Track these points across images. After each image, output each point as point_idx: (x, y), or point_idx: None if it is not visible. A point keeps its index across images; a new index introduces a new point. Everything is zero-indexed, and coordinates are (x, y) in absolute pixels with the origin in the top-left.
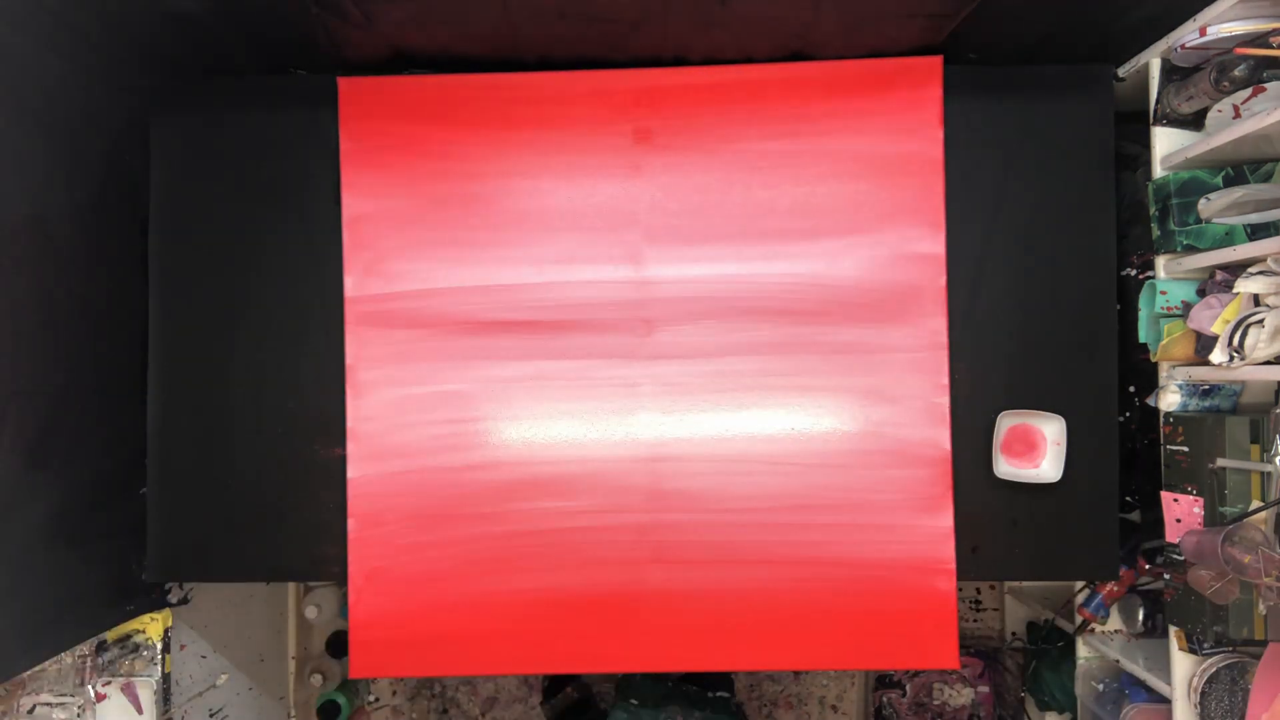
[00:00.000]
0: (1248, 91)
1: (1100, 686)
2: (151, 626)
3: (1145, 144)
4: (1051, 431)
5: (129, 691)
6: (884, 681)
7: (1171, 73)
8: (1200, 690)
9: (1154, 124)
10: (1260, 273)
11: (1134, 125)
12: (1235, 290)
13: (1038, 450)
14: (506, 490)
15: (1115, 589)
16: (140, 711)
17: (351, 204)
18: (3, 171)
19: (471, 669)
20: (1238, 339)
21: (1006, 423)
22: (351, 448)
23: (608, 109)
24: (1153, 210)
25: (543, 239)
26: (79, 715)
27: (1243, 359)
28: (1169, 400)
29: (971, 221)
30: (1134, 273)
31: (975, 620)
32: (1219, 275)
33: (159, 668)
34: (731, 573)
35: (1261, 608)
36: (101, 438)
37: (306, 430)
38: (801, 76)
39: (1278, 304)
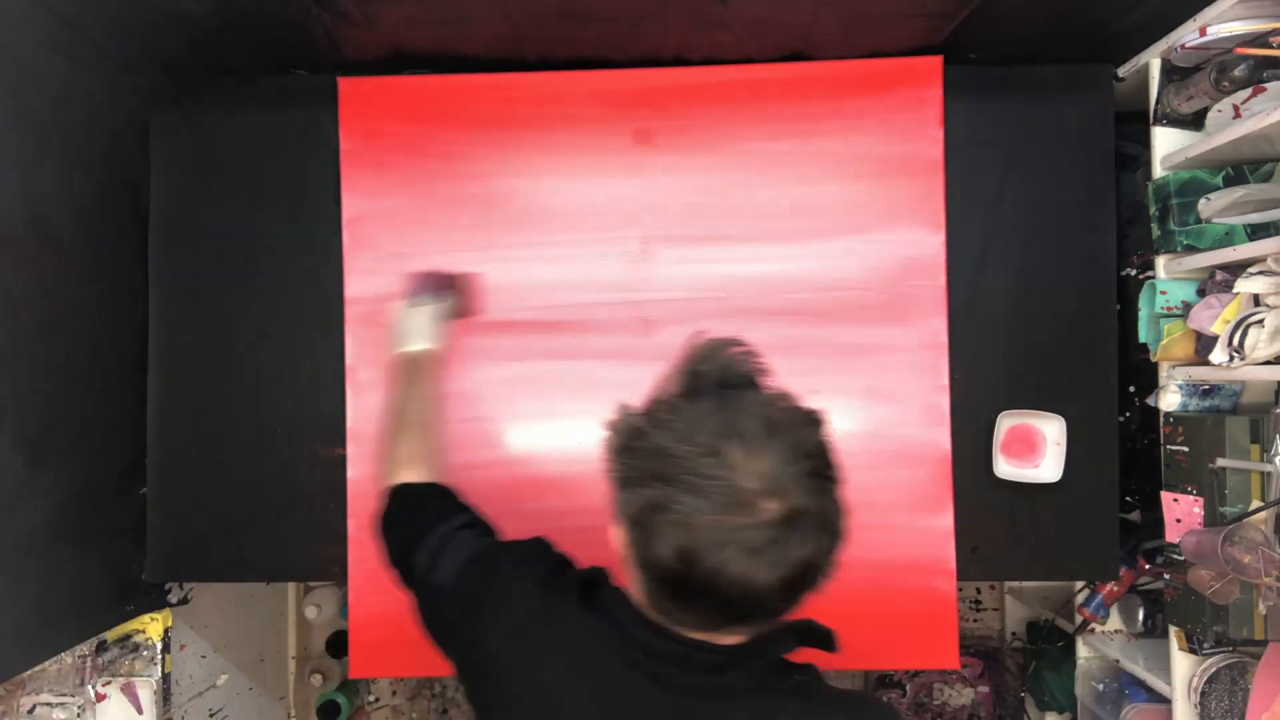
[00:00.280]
0: (1248, 91)
1: (1100, 686)
2: (151, 626)
3: (1145, 144)
4: (1051, 431)
5: (129, 691)
6: (884, 681)
7: (1171, 73)
8: (1200, 690)
9: (1154, 124)
10: (1260, 273)
11: (1134, 125)
12: (1235, 290)
13: (1038, 450)
14: (507, 490)
15: (1115, 589)
16: (140, 711)
17: (351, 204)
18: (3, 171)
19: None
20: (1238, 339)
21: (1006, 423)
22: (352, 448)
23: (608, 109)
24: (1153, 210)
25: (543, 239)
26: (79, 715)
27: (1243, 359)
28: (1169, 400)
29: (972, 222)
30: (1134, 273)
31: (975, 620)
32: (1219, 275)
33: (159, 668)
34: None
35: (1261, 608)
36: (101, 438)
37: (306, 430)
38: (801, 76)
39: (1278, 304)
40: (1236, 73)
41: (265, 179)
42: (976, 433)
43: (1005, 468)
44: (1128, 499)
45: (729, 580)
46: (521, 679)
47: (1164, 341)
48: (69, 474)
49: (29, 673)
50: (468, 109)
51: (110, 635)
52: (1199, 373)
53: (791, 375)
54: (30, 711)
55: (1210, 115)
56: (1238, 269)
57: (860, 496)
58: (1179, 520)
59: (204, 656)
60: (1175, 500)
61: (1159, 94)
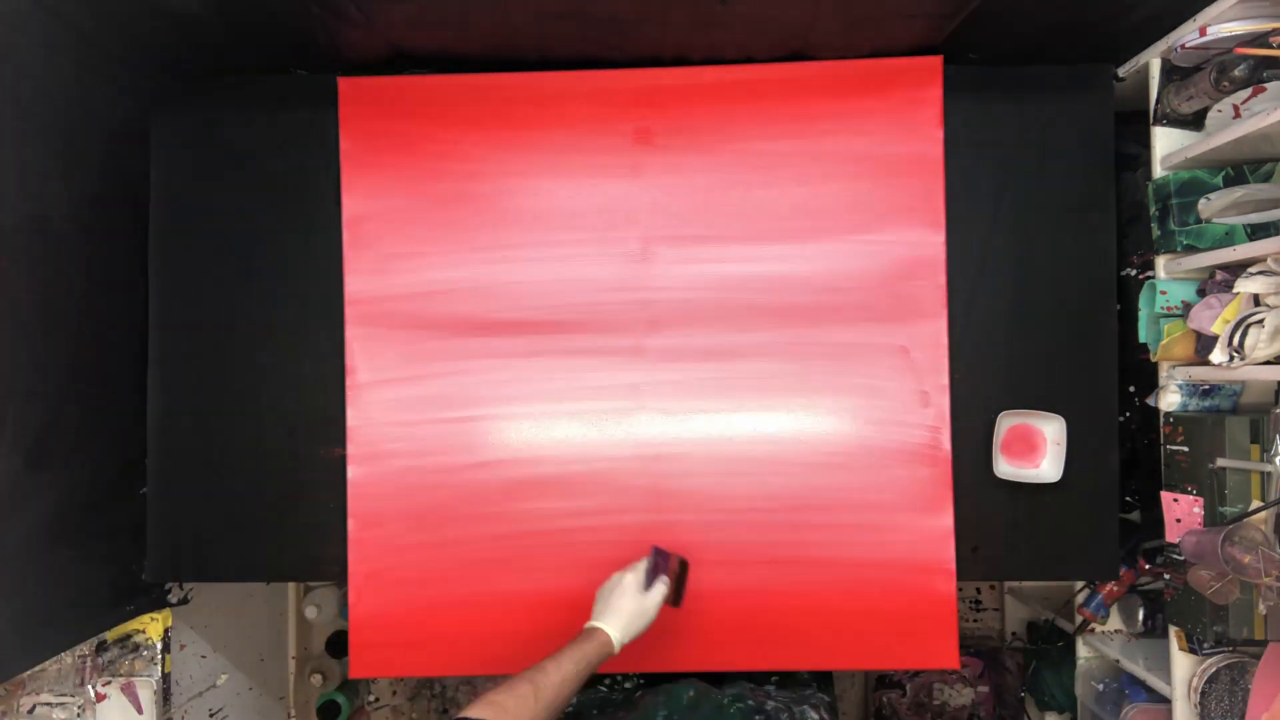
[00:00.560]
0: (1248, 91)
1: (1100, 686)
2: (151, 626)
3: (1145, 144)
4: (1051, 431)
5: (129, 691)
6: (884, 681)
7: (1171, 73)
8: (1200, 690)
9: (1154, 124)
10: (1260, 273)
11: (1134, 125)
12: (1235, 290)
13: (1038, 450)
14: (506, 490)
15: (1115, 589)
16: (140, 711)
17: (351, 204)
18: (3, 171)
19: (471, 669)
20: (1238, 339)
21: (1006, 423)
22: (351, 448)
23: (608, 109)
24: (1152, 210)
25: (543, 239)
26: (79, 715)
27: (1243, 359)
28: (1169, 400)
29: (971, 221)
30: (1134, 273)
31: (975, 620)
32: (1219, 275)
33: (159, 668)
34: (731, 573)
35: (1261, 608)
36: (101, 438)
37: (306, 430)
38: (802, 76)
39: (1278, 304)
40: (1236, 73)
41: (265, 179)
42: (976, 433)
43: (1005, 468)
44: (1128, 499)
45: None
46: None
47: (1164, 341)
48: (69, 474)
49: (29, 673)
50: (468, 109)
51: (110, 635)
52: (1199, 373)
53: (792, 375)
54: (30, 711)
55: (1210, 115)
56: (1238, 269)
57: (860, 496)
58: (1179, 520)
59: (204, 656)
60: (1175, 500)
61: (1159, 94)
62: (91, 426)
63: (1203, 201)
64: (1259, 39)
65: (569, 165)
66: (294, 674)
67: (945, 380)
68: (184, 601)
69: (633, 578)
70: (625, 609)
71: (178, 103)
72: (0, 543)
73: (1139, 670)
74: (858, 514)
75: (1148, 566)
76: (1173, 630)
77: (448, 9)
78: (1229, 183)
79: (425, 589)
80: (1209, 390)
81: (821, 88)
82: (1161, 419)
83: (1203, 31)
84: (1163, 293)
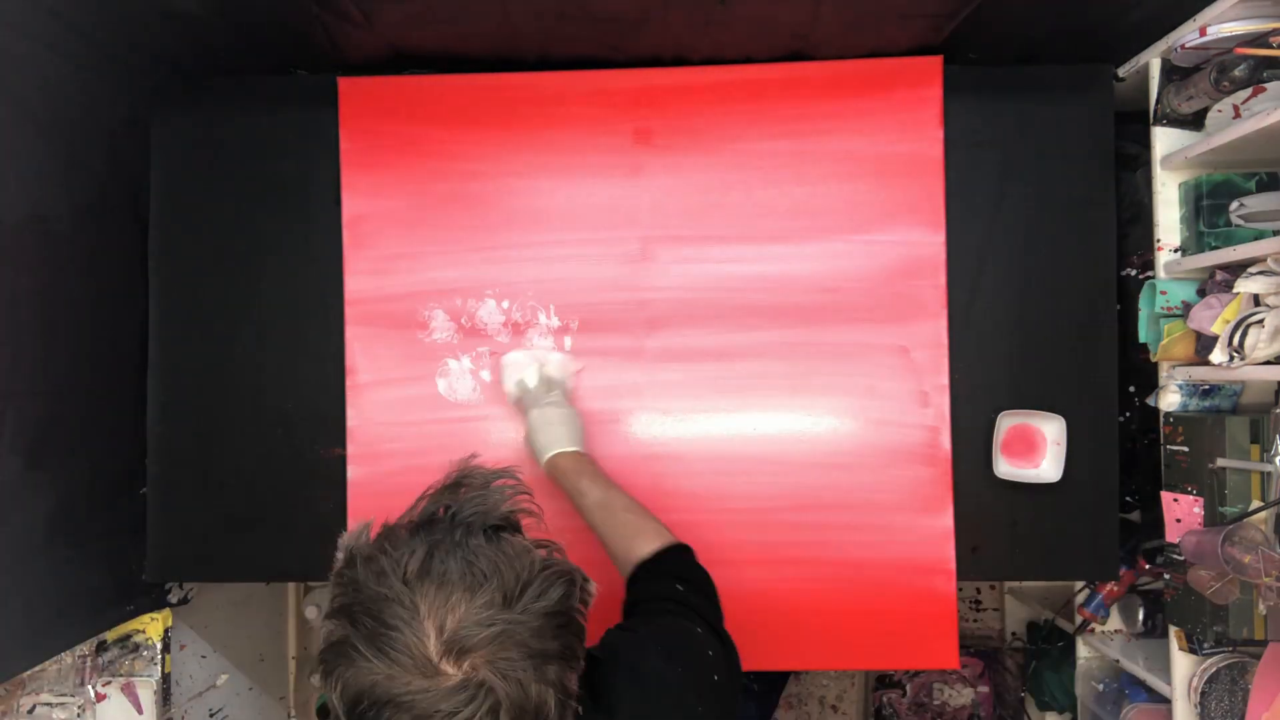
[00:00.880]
0: (1248, 91)
1: (1100, 686)
2: (151, 626)
3: (1145, 144)
4: (1051, 431)
5: (129, 691)
6: (884, 681)
7: (1171, 73)
8: (1200, 690)
9: (1154, 124)
10: (1260, 273)
11: (1134, 125)
12: (1235, 290)
13: (1038, 450)
14: None
15: (1115, 589)
16: (140, 711)
17: (351, 204)
18: (3, 171)
19: None
20: (1238, 339)
21: (1006, 423)
22: (351, 448)
23: (608, 109)
24: (1181, 211)
25: (543, 239)
26: (79, 715)
27: (1243, 359)
28: (1169, 400)
29: (971, 221)
30: (1134, 273)
31: (975, 620)
32: (1219, 275)
33: (159, 668)
34: (731, 572)
35: (1261, 608)
36: (101, 438)
37: (306, 430)
38: (802, 76)
39: (1278, 304)
40: (1236, 73)
41: (265, 179)
42: (976, 433)
43: (1005, 468)
44: (1128, 499)
45: None
46: None
47: (1164, 341)
48: (69, 474)
49: (29, 673)
50: (467, 109)
51: (110, 635)
52: (1199, 373)
53: (792, 375)
54: (30, 711)
55: (1210, 115)
56: (1238, 269)
57: (860, 496)
58: (1179, 520)
59: (204, 656)
60: (1175, 500)
61: (1159, 94)
62: (91, 426)
63: (1235, 204)
64: (1259, 39)
65: (569, 165)
66: (294, 674)
67: (945, 380)
68: (184, 601)
69: (534, 412)
70: (551, 434)
71: (178, 103)
72: (0, 543)
73: (1139, 670)
74: (857, 514)
75: (1148, 566)
76: (1173, 630)
77: (448, 9)
78: (1262, 187)
79: None
80: (1209, 390)
81: (821, 88)
82: (1161, 419)
83: (1203, 31)
84: (1163, 293)
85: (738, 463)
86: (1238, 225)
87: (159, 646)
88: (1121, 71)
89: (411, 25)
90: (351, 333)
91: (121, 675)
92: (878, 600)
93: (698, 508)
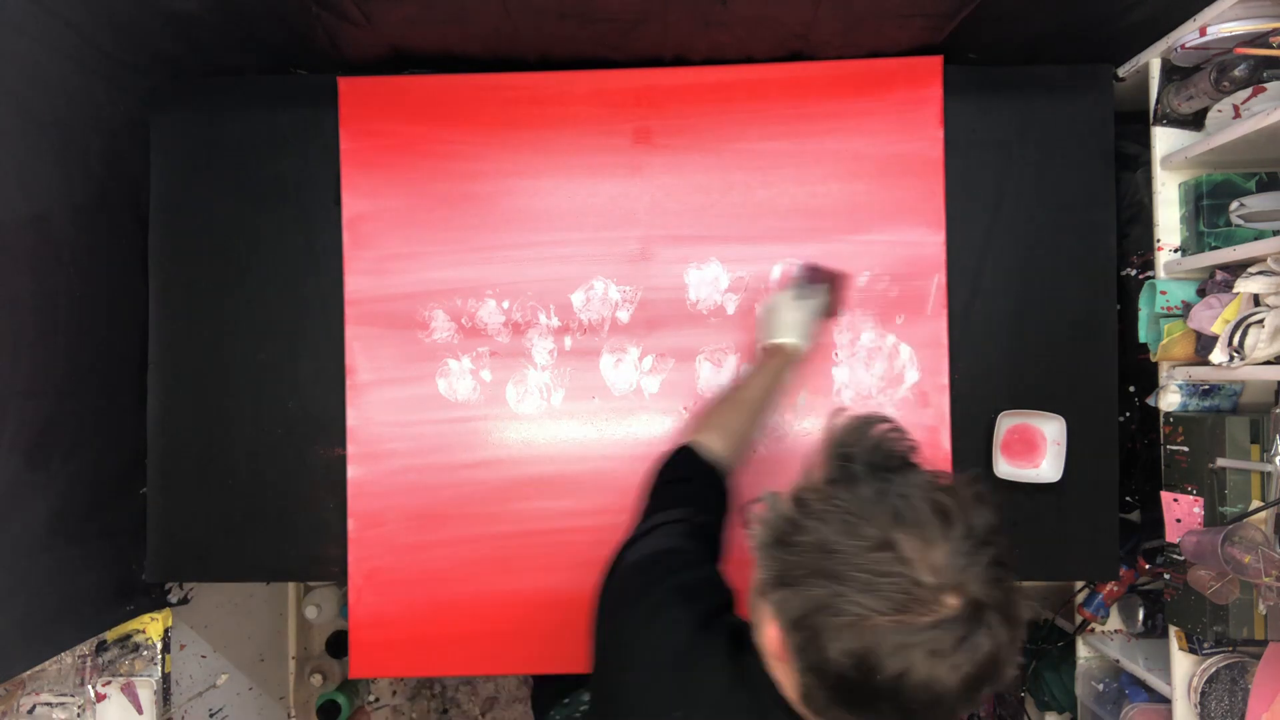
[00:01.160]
0: (1248, 91)
1: (1100, 686)
2: (151, 626)
3: (1145, 144)
4: (1051, 431)
5: (129, 691)
6: None
7: (1171, 73)
8: (1200, 690)
9: (1154, 124)
10: (1260, 273)
11: (1134, 125)
12: (1235, 290)
13: (1038, 450)
14: (506, 490)
15: (1115, 589)
16: (140, 711)
17: (351, 204)
18: (3, 171)
19: (471, 669)
20: (1238, 339)
21: (1006, 423)
22: (351, 448)
23: (608, 109)
24: (1181, 211)
25: (543, 239)
26: (79, 715)
27: (1243, 359)
28: (1169, 400)
29: (971, 221)
30: (1134, 273)
31: None
32: (1219, 275)
33: (159, 668)
34: (732, 572)
35: (1261, 608)
36: (101, 438)
37: (306, 430)
38: (802, 76)
39: (1278, 304)
40: (1236, 73)
41: (265, 179)
42: (976, 433)
43: (1005, 468)
44: (1128, 499)
45: (914, 685)
46: (643, 708)
47: (1164, 341)
48: (69, 474)
49: (29, 673)
50: (467, 109)
51: (110, 635)
52: (1199, 373)
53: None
54: (30, 711)
55: (1210, 115)
56: (1238, 269)
57: None
58: (1179, 520)
59: (204, 656)
60: (1175, 500)
61: (1159, 94)
62: (91, 426)
63: (1235, 204)
64: (1259, 39)
65: (569, 165)
66: (294, 674)
67: (945, 380)
68: (184, 601)
69: (787, 294)
70: (788, 320)
71: (178, 103)
72: (0, 543)
73: (1139, 670)
74: None
75: (1148, 566)
76: (1173, 630)
77: (448, 9)
78: (1262, 187)
79: (425, 589)
80: (1209, 390)
81: (821, 87)
82: (1161, 419)
83: (1203, 31)
84: (1163, 293)
85: None
86: (1238, 225)
87: (159, 646)
88: (1121, 71)
89: (411, 25)
90: (351, 333)
91: (121, 675)
92: None
93: None
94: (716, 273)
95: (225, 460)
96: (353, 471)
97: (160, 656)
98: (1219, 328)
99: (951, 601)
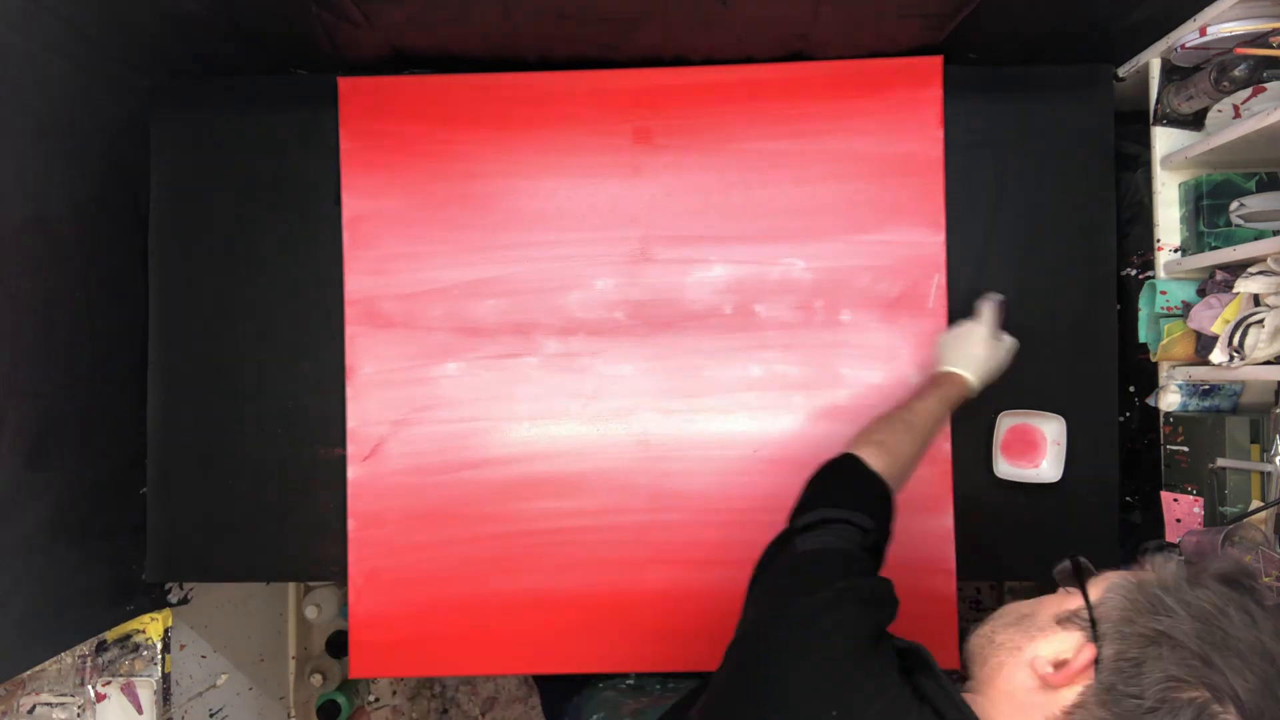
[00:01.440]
0: (1248, 91)
1: None
2: (151, 626)
3: (1145, 144)
4: (1051, 431)
5: (129, 691)
6: None
7: (1171, 73)
8: None
9: (1154, 124)
10: (1260, 273)
11: (1134, 125)
12: (1235, 290)
13: (1038, 450)
14: (506, 490)
15: None
16: (140, 711)
17: (351, 204)
18: (3, 171)
19: (471, 669)
20: (1238, 339)
21: (1006, 423)
22: (351, 448)
23: (608, 109)
24: (1181, 211)
25: (543, 239)
26: (79, 715)
27: (1243, 359)
28: (1169, 400)
29: (971, 221)
30: (1134, 273)
31: (975, 620)
32: (1219, 275)
33: (159, 668)
34: (732, 573)
35: None
36: (101, 438)
37: (306, 430)
38: (801, 76)
39: (1278, 304)
40: (1236, 73)
41: (265, 179)
42: (976, 433)
43: (1005, 468)
44: (1128, 499)
45: None
46: (801, 700)
47: (1164, 341)
48: (69, 474)
49: (29, 673)
50: (468, 109)
51: (110, 635)
52: (1199, 373)
53: (792, 376)
54: (30, 711)
55: (1210, 115)
56: (1238, 269)
57: None
58: (1179, 520)
59: (204, 656)
60: (1175, 500)
61: (1159, 94)
62: (91, 426)
63: (1235, 204)
64: (1259, 39)
65: (569, 165)
66: (294, 674)
67: None
68: (184, 601)
69: (984, 328)
70: (978, 355)
71: (178, 103)
72: (0, 543)
73: None
74: None
75: None
76: None
77: (448, 9)
78: (1262, 187)
79: (425, 589)
80: (1209, 390)
81: (821, 88)
82: (1161, 419)
83: (1203, 31)
84: (1163, 293)
85: (739, 462)
86: (1238, 225)
87: (159, 646)
88: (1121, 71)
89: (411, 25)
90: (351, 333)
91: (121, 675)
92: None
93: (698, 507)
94: (716, 273)
95: (225, 460)
96: (353, 471)
97: (160, 656)
98: (1219, 328)
99: None
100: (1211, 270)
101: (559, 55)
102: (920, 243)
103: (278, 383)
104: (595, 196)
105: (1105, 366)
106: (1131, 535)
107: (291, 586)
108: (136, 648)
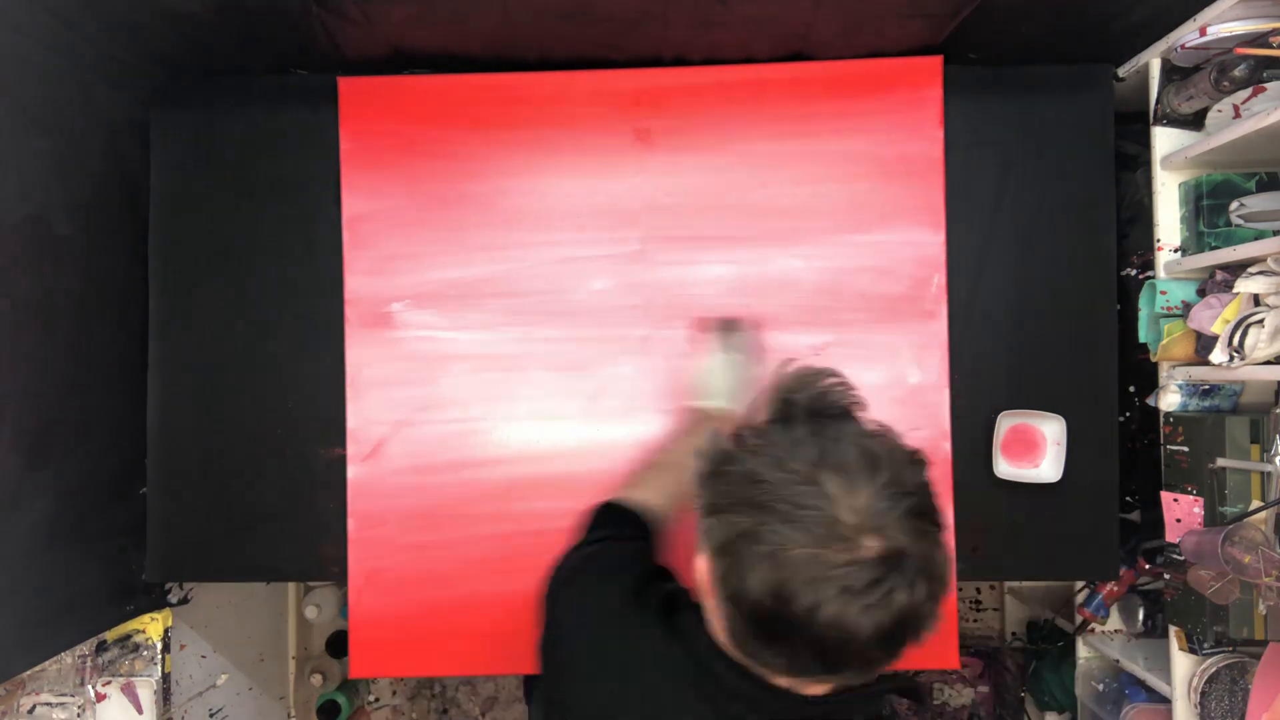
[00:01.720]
0: (1248, 91)
1: (1100, 686)
2: (151, 626)
3: (1145, 144)
4: (1051, 431)
5: (129, 691)
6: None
7: (1171, 73)
8: (1200, 690)
9: (1154, 124)
10: (1260, 273)
11: (1134, 125)
12: (1235, 290)
13: (1038, 450)
14: (506, 490)
15: (1115, 589)
16: (140, 711)
17: (351, 204)
18: (2, 171)
19: (471, 669)
20: (1238, 339)
21: (1006, 423)
22: (351, 448)
23: (608, 109)
24: (1181, 211)
25: (543, 239)
26: (79, 715)
27: (1243, 359)
28: (1169, 400)
29: (971, 221)
30: (1134, 273)
31: (975, 620)
32: (1219, 275)
33: (159, 668)
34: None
35: (1261, 608)
36: (101, 438)
37: (306, 430)
38: (802, 76)
39: (1278, 304)
40: (1236, 73)
41: (265, 179)
42: (976, 433)
43: (1005, 468)
44: (1128, 499)
45: (824, 622)
46: (583, 679)
47: (1164, 341)
48: (69, 474)
49: (29, 673)
50: (468, 109)
51: (110, 635)
52: (1199, 373)
53: None
54: (30, 711)
55: (1210, 115)
56: (1238, 269)
57: None
58: (1179, 520)
59: (204, 656)
60: (1175, 500)
61: (1159, 94)
62: (91, 426)
63: (1235, 204)
64: (1259, 39)
65: (569, 165)
66: (294, 674)
67: (945, 380)
68: (184, 601)
69: (716, 356)
70: (719, 385)
71: (178, 102)
72: (0, 543)
73: (1139, 670)
74: None
75: (1148, 566)
76: (1173, 630)
77: (448, 9)
78: (1262, 187)
79: (425, 589)
80: (1209, 390)
81: (821, 88)
82: (1161, 419)
83: (1203, 31)
84: (1163, 293)
85: None
86: (1238, 225)
87: (159, 646)
88: (1121, 71)
89: (411, 25)
90: (351, 333)
91: (121, 675)
92: None
93: None
94: (716, 273)
95: (225, 460)
96: (353, 471)
97: (160, 656)
98: (1219, 328)
99: (870, 544)
100: (1211, 270)
101: (559, 55)
102: (920, 242)
103: (277, 383)
104: (595, 196)
105: (1105, 366)
106: (1132, 535)
107: (291, 586)
108: (136, 648)
